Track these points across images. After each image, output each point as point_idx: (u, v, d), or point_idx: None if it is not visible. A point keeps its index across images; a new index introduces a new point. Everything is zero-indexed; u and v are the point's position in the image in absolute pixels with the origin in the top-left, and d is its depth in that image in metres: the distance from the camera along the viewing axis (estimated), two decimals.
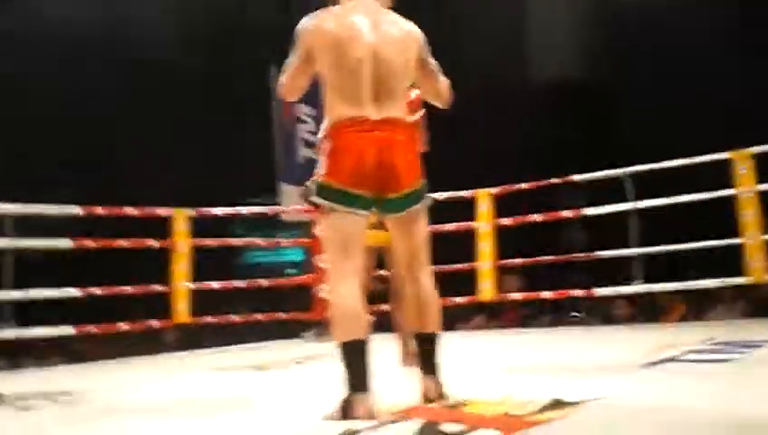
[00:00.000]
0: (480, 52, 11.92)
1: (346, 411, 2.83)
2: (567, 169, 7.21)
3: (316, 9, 3.22)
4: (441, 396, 3.05)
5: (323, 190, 3.03)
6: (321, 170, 3.07)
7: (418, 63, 3.22)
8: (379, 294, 4.85)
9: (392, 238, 3.24)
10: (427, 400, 3.03)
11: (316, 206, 3.10)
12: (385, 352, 4.55)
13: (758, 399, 2.75)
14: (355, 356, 2.88)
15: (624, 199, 6.77)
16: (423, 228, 3.20)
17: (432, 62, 3.29)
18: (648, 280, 6.66)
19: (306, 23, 3.14)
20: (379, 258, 4.65)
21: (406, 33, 3.18)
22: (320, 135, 3.27)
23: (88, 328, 6.80)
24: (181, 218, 7.23)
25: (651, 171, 6.69)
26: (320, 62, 3.10)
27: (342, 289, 2.97)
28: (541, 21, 13.51)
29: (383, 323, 4.73)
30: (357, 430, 2.60)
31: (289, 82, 3.25)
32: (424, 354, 3.12)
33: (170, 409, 3.63)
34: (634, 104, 11.50)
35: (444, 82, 3.35)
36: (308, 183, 3.12)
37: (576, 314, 8.52)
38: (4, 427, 3.43)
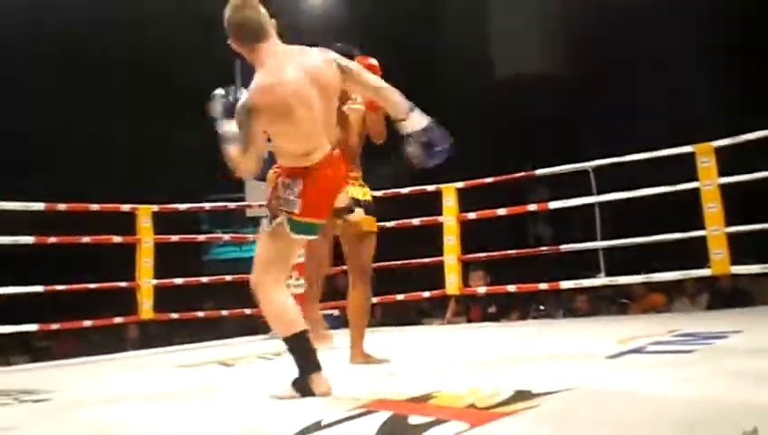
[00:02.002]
0: (444, 48, 11.94)
1: (304, 390, 3.17)
2: (532, 163, 7.22)
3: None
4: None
5: (296, 225, 3.26)
6: (292, 208, 3.24)
7: (342, 76, 3.36)
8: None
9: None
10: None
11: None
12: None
13: (722, 389, 2.78)
14: (300, 344, 3.25)
15: (589, 193, 6.80)
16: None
17: (351, 65, 3.42)
18: (612, 273, 6.69)
19: (252, 97, 3.17)
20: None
21: (324, 62, 3.30)
22: (274, 170, 3.57)
23: (51, 325, 6.74)
24: (144, 214, 7.18)
25: (615, 165, 6.72)
26: (274, 126, 3.22)
27: (276, 295, 3.29)
28: (503, 17, 13.53)
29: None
30: (322, 420, 2.59)
31: (248, 161, 3.26)
32: None
33: (132, 405, 3.60)
34: (598, 98, 11.56)
35: (371, 78, 3.46)
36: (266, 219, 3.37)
37: (541, 307, 8.57)
38: None
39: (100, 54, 12.57)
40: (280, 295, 3.29)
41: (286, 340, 3.26)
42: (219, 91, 3.38)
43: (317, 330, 4.75)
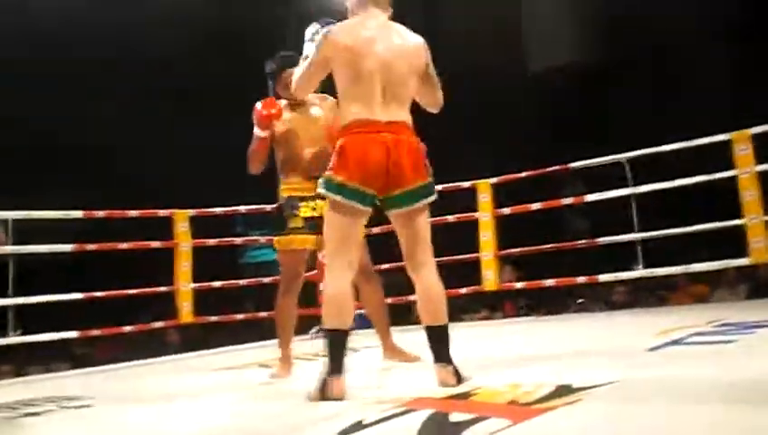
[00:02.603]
0: (475, 39, 11.89)
1: (323, 391, 3.18)
2: (566, 157, 7.17)
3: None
4: (459, 381, 3.21)
5: (327, 183, 3.32)
6: (330, 166, 3.35)
7: (423, 74, 3.50)
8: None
9: (397, 232, 3.47)
10: (445, 387, 3.18)
11: (323, 198, 3.42)
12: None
13: (765, 378, 2.75)
14: (335, 343, 3.25)
15: (624, 185, 6.74)
16: (423, 222, 3.44)
17: (434, 74, 3.56)
18: (651, 264, 6.63)
19: (329, 32, 3.44)
20: None
21: (413, 46, 3.48)
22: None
23: (91, 332, 6.81)
24: (181, 219, 7.23)
25: (651, 155, 6.67)
26: (336, 71, 3.42)
27: (333, 281, 3.30)
28: (535, 6, 13.46)
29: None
30: (363, 420, 2.60)
31: (304, 81, 3.59)
32: (435, 345, 3.33)
33: (173, 407, 3.64)
34: (632, 88, 11.47)
35: (440, 93, 3.61)
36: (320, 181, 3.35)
37: (581, 300, 8.52)
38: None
39: (132, 54, 12.63)
40: (333, 282, 3.30)
41: (325, 331, 3.29)
42: (315, 24, 3.78)
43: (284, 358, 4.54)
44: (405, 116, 3.39)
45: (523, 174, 7.21)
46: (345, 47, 3.36)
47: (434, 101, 3.61)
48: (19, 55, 11.32)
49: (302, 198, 4.42)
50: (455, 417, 2.52)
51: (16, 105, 11.17)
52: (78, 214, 6.81)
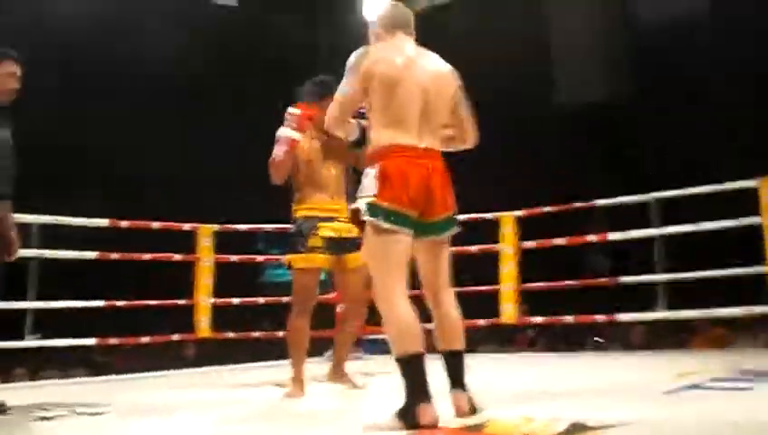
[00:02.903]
0: (502, 75, 11.88)
1: (411, 420, 2.96)
2: (591, 194, 7.15)
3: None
4: (473, 409, 3.17)
5: (374, 210, 3.18)
6: (369, 192, 3.21)
7: (453, 103, 3.44)
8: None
9: (419, 259, 3.40)
10: (461, 413, 3.15)
11: (362, 225, 3.29)
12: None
13: None
14: (411, 368, 3.04)
15: (649, 225, 6.71)
16: (446, 252, 3.42)
17: (465, 104, 3.49)
18: (672, 306, 6.58)
19: (364, 53, 3.35)
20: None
21: (445, 73, 3.43)
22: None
23: (109, 340, 6.84)
24: (205, 234, 7.26)
25: (677, 197, 6.63)
26: (372, 94, 3.30)
27: (400, 306, 3.12)
28: (562, 44, 13.48)
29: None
30: None
31: (341, 115, 3.43)
32: (452, 371, 3.28)
33: (189, 422, 3.64)
34: (659, 129, 11.44)
35: (473, 127, 3.53)
36: (357, 205, 3.27)
37: (598, 339, 8.46)
38: None
39: (162, 66, 12.73)
40: (393, 309, 3.13)
41: (398, 360, 3.08)
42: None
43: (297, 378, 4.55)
44: (438, 144, 3.34)
45: (548, 208, 7.19)
46: (384, 70, 3.27)
47: (467, 134, 3.52)
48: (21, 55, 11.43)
49: (322, 219, 4.48)
50: None
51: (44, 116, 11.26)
52: (104, 222, 6.86)
